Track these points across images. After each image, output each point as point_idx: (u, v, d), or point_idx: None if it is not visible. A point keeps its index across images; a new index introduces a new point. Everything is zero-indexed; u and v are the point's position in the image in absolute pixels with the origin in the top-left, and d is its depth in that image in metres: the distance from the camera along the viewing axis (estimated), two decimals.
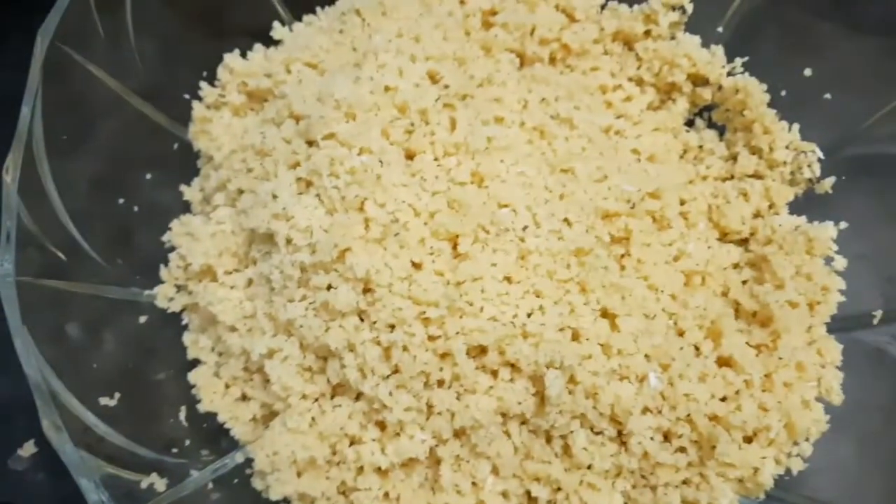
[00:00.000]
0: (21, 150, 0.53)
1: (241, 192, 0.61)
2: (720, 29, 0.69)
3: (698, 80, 0.69)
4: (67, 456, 0.48)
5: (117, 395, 0.55)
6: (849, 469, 0.58)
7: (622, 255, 0.59)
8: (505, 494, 0.56)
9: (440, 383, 0.54)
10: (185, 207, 0.66)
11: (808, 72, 0.66)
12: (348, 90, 0.56)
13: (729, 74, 0.68)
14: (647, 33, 0.69)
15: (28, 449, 0.64)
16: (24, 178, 0.53)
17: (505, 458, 0.54)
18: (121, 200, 0.62)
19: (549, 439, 0.55)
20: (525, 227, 0.55)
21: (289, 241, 0.55)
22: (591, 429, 0.55)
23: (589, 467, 0.55)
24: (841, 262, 0.61)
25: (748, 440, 0.55)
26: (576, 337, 0.54)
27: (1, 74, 0.58)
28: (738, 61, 0.68)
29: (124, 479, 0.51)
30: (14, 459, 0.64)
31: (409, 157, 0.57)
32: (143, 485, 0.53)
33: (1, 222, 0.51)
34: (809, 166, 0.65)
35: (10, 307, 0.50)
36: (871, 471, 0.58)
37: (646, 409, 0.54)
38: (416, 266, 0.54)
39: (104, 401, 0.54)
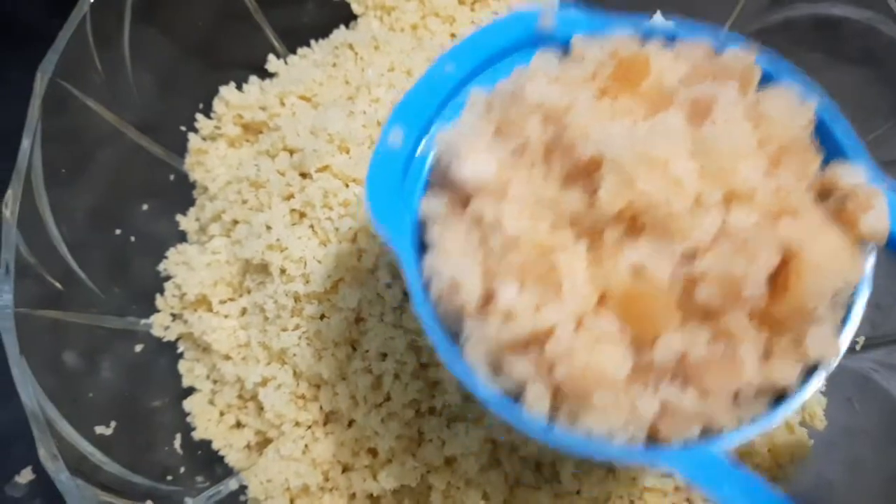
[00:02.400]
0: (21, 184, 0.54)
1: (235, 222, 0.62)
2: None
3: None
4: (63, 484, 0.48)
5: (113, 423, 0.56)
6: (836, 493, 0.59)
7: None
8: None
9: (431, 411, 0.55)
10: (181, 237, 0.67)
11: None
12: (342, 124, 0.58)
13: None
14: None
15: (26, 476, 0.64)
16: (22, 210, 0.53)
17: (495, 485, 0.55)
18: (118, 231, 0.63)
19: (538, 466, 0.56)
20: None
21: (283, 272, 0.56)
22: None
23: (578, 493, 0.56)
24: None
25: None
26: None
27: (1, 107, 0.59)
28: None
29: None
30: (11, 486, 0.65)
31: None
32: None
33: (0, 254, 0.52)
34: None
35: (8, 338, 0.50)
36: (857, 494, 0.58)
37: None
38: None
39: (100, 429, 0.55)
